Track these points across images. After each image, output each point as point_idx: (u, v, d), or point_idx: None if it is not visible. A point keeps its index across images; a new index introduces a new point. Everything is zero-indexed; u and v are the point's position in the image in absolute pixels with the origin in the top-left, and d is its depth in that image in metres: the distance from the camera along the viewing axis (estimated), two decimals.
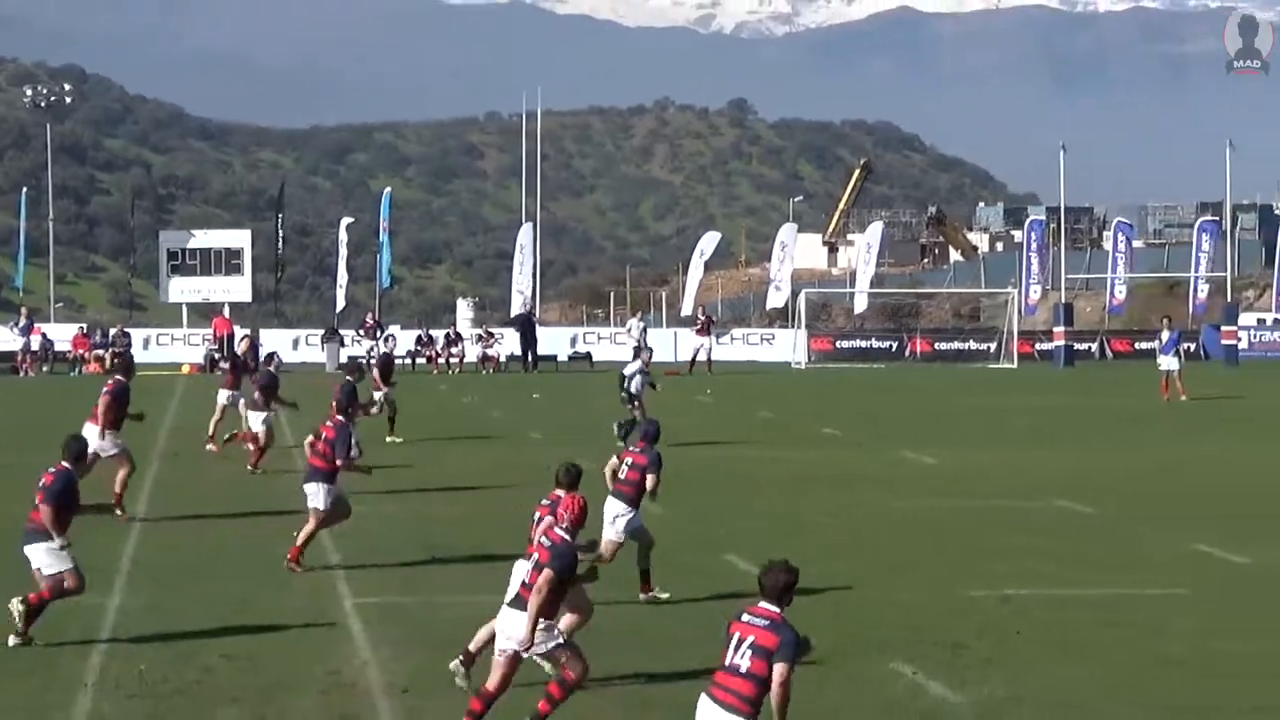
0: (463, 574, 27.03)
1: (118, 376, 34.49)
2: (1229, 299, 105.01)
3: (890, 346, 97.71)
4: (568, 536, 18.00)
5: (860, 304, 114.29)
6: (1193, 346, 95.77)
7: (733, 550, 28.47)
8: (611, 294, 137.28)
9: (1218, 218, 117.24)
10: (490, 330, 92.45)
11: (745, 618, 14.91)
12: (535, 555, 17.93)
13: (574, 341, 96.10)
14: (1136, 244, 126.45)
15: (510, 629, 17.74)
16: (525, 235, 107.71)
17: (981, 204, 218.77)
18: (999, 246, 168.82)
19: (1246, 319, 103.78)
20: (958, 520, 33.43)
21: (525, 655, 17.81)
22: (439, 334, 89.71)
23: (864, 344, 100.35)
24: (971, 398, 64.90)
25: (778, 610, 14.93)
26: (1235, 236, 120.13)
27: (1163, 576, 27.01)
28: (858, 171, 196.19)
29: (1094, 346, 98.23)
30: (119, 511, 31.22)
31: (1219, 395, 66.50)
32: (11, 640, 21.53)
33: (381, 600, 24.97)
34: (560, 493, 20.25)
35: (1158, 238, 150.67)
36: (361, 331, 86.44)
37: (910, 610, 24.52)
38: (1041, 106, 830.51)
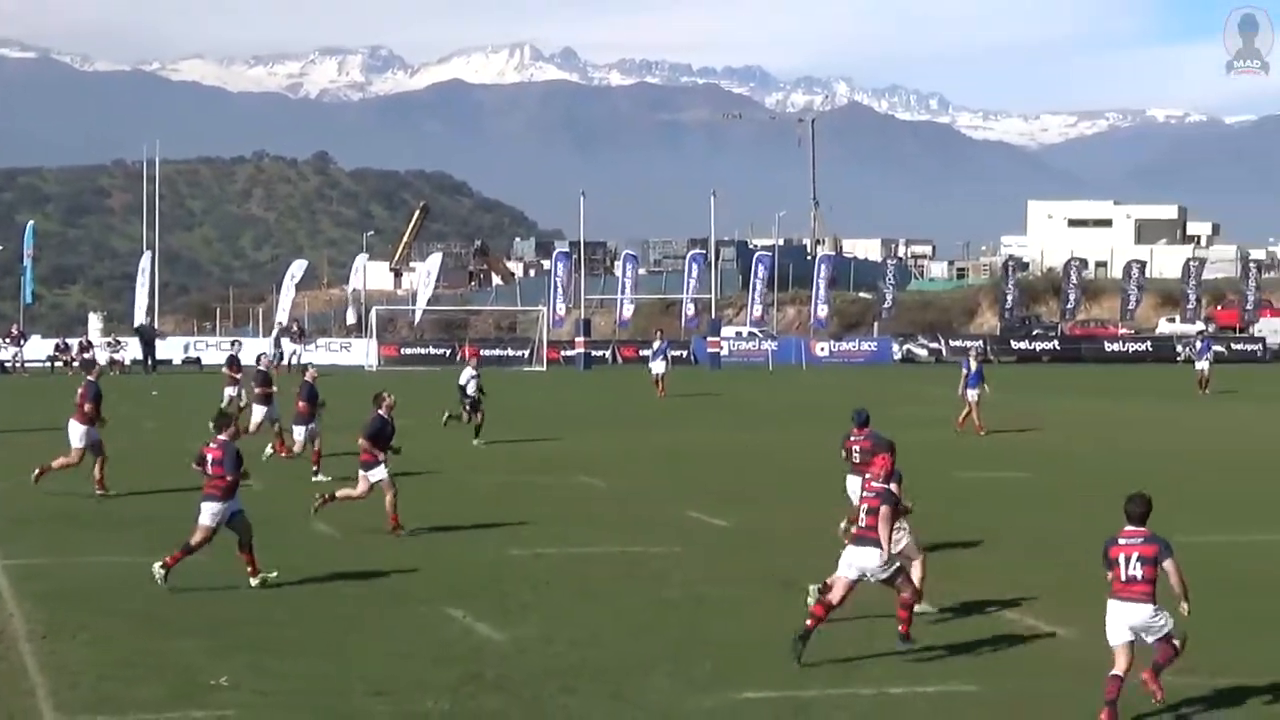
0: (90, 537, 26.53)
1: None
2: (713, 315, 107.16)
3: (445, 353, 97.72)
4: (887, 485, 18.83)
5: (420, 319, 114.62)
6: (685, 353, 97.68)
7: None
8: (218, 309, 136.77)
9: (704, 250, 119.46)
10: (118, 339, 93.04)
11: (1122, 541, 16.31)
12: (866, 505, 18.59)
13: (186, 349, 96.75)
14: (640, 271, 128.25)
15: (856, 559, 18.42)
16: (146, 261, 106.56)
17: (518, 239, 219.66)
18: (532, 273, 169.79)
19: (727, 331, 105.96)
20: (501, 492, 33.51)
21: (869, 579, 18.50)
22: (74, 341, 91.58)
23: (424, 351, 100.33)
24: (510, 394, 65.14)
25: (1144, 528, 16.35)
26: (718, 266, 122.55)
27: (663, 537, 27.31)
28: (418, 212, 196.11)
29: (608, 353, 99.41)
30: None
31: (702, 393, 67.63)
32: None
33: (26, 562, 24.36)
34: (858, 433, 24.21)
35: (657, 266, 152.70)
36: (7, 339, 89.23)
37: (461, 566, 24.55)
38: (566, 159, 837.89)
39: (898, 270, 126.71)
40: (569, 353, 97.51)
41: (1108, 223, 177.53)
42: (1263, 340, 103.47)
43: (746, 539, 27.48)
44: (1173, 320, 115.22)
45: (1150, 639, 16.23)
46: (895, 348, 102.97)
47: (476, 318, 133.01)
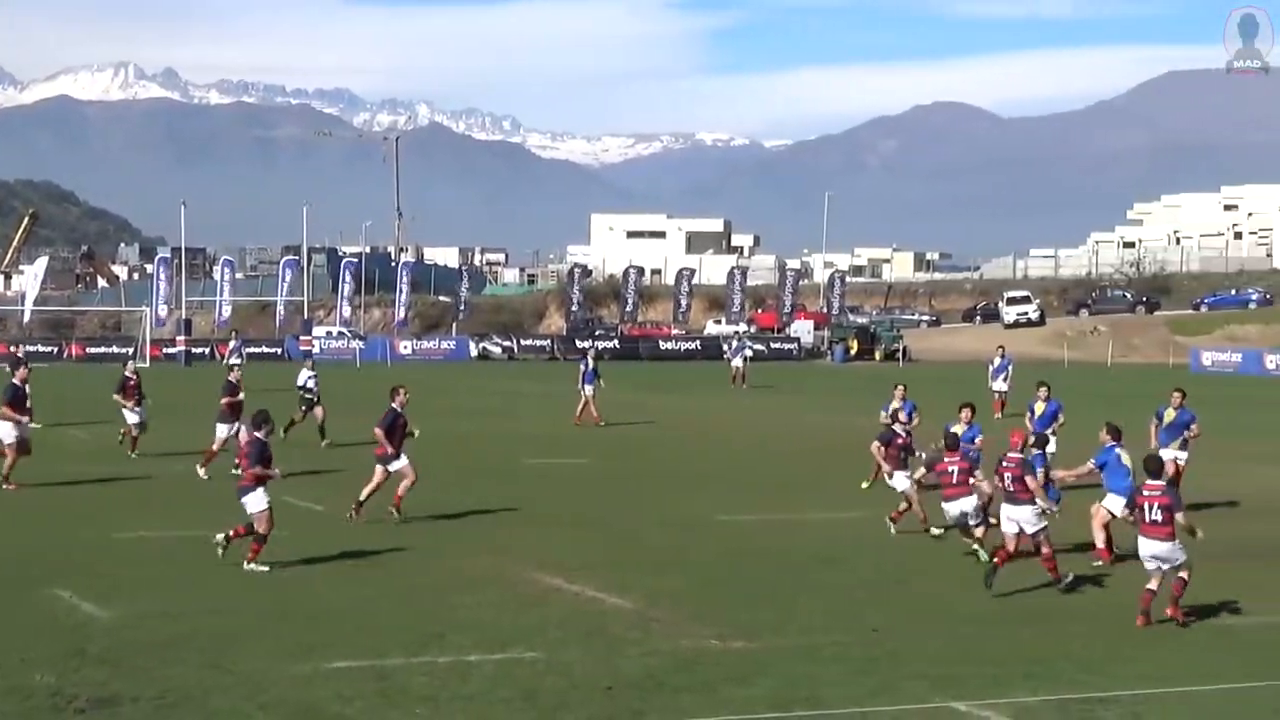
0: None
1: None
2: (305, 316, 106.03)
3: (53, 350, 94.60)
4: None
5: (29, 318, 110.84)
6: (280, 351, 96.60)
7: None
8: None
9: (297, 256, 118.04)
10: None
11: (1145, 493, 19.67)
12: (1008, 474, 21.76)
13: None
14: (238, 275, 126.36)
15: (1016, 515, 21.67)
16: None
17: (123, 244, 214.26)
18: (136, 276, 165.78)
19: (318, 331, 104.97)
20: (109, 478, 32.65)
21: (1029, 531, 21.55)
22: None
23: (33, 348, 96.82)
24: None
25: (1162, 482, 19.74)
26: (309, 271, 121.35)
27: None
28: (26, 219, 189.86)
29: (207, 350, 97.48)
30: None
31: (289, 388, 66.64)
32: None
33: None
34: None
35: (254, 271, 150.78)
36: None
37: (68, 548, 23.97)
38: (169, 171, 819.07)
39: (473, 276, 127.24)
40: (171, 350, 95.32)
41: (662, 234, 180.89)
42: (798, 340, 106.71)
43: (334, 520, 27.35)
44: (719, 322, 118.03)
45: (1167, 568, 19.49)
46: (472, 346, 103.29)
47: (83, 318, 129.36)
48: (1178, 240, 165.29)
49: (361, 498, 27.19)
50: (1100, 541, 23.96)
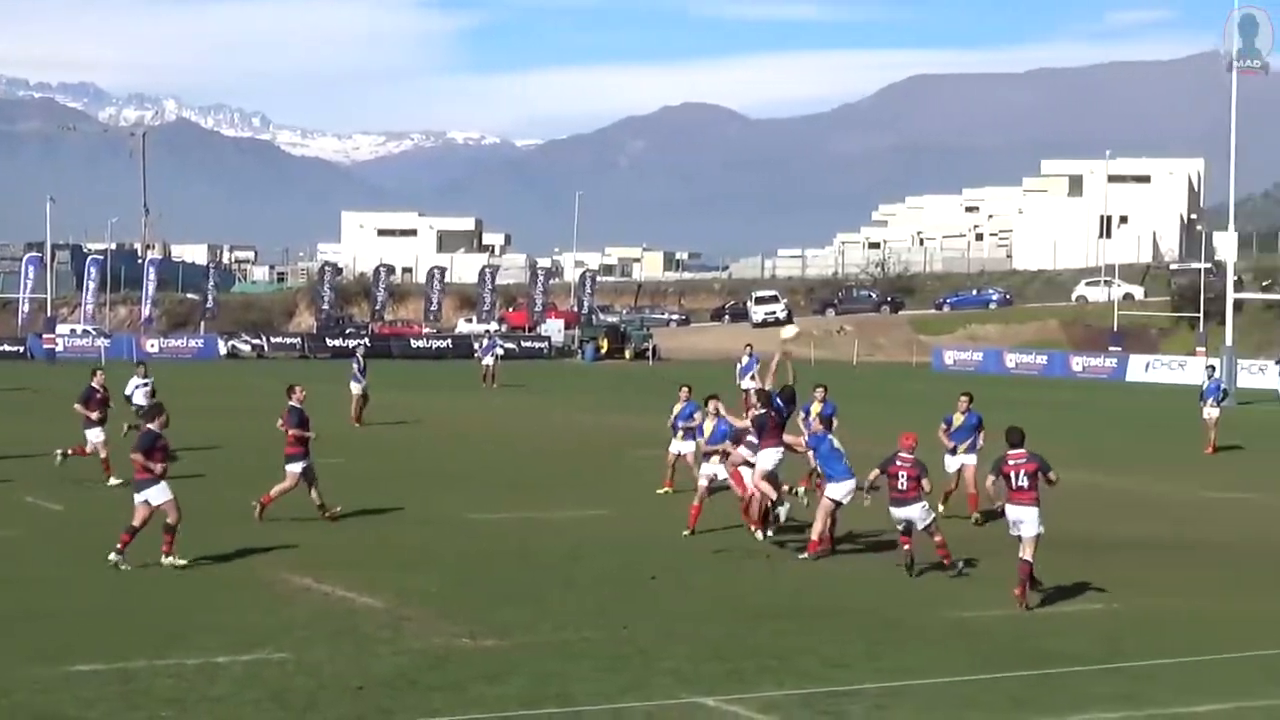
0: None
1: None
2: (48, 314, 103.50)
3: None
4: None
5: None
6: (22, 349, 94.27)
7: None
8: None
9: (40, 253, 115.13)
10: None
11: (1011, 461, 20.81)
12: (903, 474, 22.66)
13: None
14: None
15: (906, 514, 22.80)
16: None
17: None
18: None
19: (62, 329, 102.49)
20: None
21: (920, 526, 22.83)
22: None
23: None
24: None
25: (1024, 450, 20.88)
26: (53, 268, 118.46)
27: (3, 521, 26.45)
28: None
29: None
30: None
31: (25, 386, 65.14)
32: None
33: None
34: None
35: None
36: None
37: None
38: None
39: (222, 273, 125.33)
40: None
41: (413, 232, 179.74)
42: (548, 339, 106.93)
43: (78, 522, 26.79)
44: (470, 320, 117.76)
45: (1027, 534, 20.64)
46: (221, 344, 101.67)
47: None
48: (921, 241, 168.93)
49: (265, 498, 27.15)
50: (815, 534, 24.36)
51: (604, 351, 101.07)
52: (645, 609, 20.34)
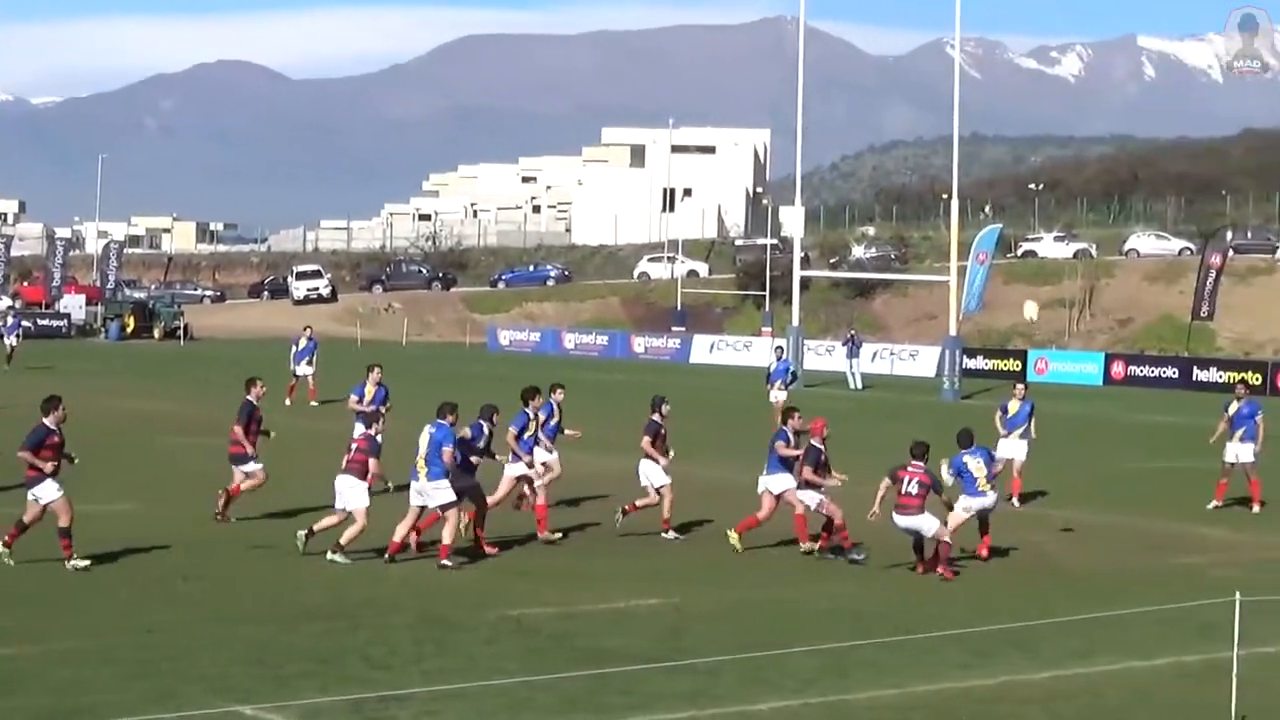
0: None
1: None
2: None
3: None
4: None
5: None
6: None
7: None
8: None
9: None
10: None
11: (909, 468, 23.52)
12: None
13: None
14: None
15: (809, 498, 25.33)
16: None
17: None
18: None
19: None
20: None
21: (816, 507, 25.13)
22: None
23: None
24: None
25: (923, 463, 23.58)
26: None
27: None
28: None
29: None
30: None
31: None
32: None
33: None
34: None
35: None
36: None
37: None
38: None
39: None
40: None
41: None
42: (68, 316, 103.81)
43: None
44: None
45: (929, 534, 23.56)
46: None
47: None
48: (475, 213, 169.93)
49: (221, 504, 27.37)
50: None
51: (130, 330, 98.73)
52: (175, 611, 19.96)
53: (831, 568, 24.80)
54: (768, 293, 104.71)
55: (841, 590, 23.06)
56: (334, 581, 22.39)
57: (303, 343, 52.87)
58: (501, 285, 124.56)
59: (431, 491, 23.58)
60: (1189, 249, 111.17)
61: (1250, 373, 65.46)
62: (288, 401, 49.91)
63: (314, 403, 50.57)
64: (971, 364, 74.89)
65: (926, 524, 23.69)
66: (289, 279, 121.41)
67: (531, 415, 27.28)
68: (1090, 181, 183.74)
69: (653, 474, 26.78)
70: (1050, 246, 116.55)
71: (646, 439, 26.78)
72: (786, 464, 25.28)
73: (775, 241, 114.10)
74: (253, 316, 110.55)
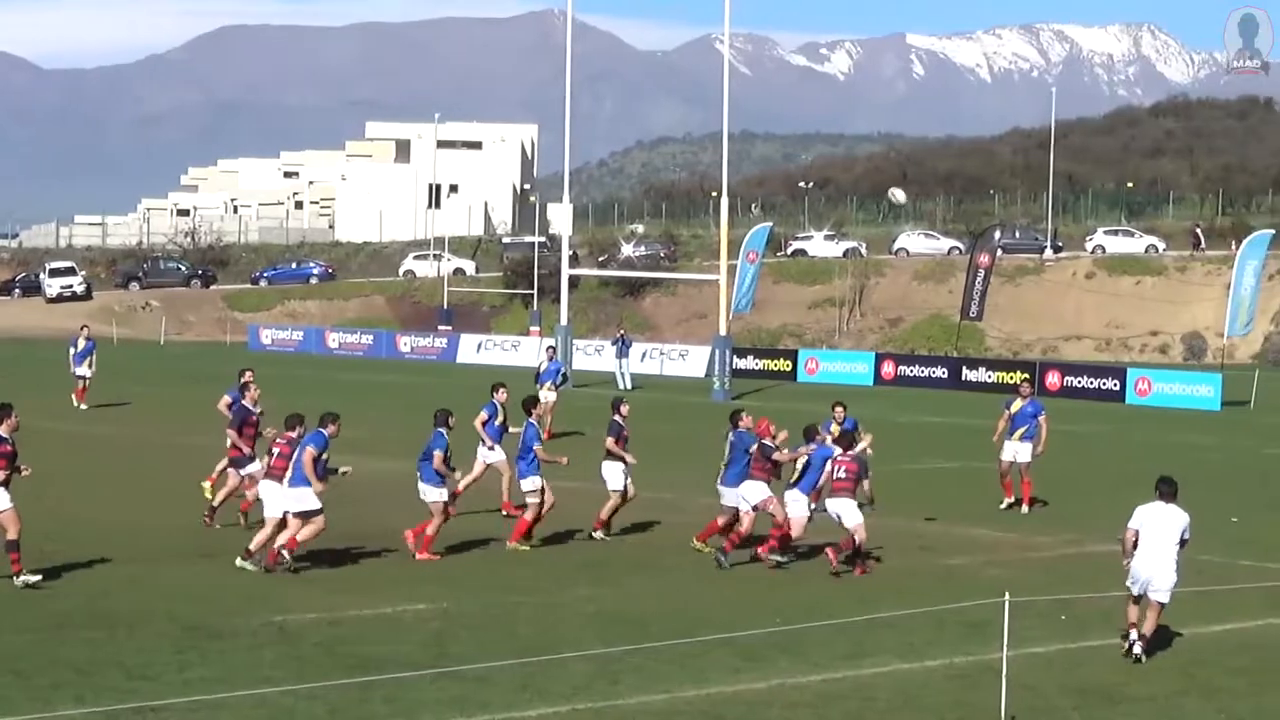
0: None
1: None
2: None
3: None
4: None
5: None
6: None
7: None
8: None
9: None
10: None
11: (839, 457, 24.96)
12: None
13: None
14: None
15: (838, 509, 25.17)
16: None
17: None
18: None
19: None
20: None
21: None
22: None
23: None
24: None
25: (853, 453, 25.15)
26: None
27: None
28: None
29: None
30: None
31: None
32: None
33: None
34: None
35: None
36: None
37: None
38: None
39: None
40: None
41: None
42: None
43: None
44: None
45: (849, 523, 24.63)
46: None
47: None
48: (235, 209, 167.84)
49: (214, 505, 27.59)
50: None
51: None
52: None
53: (597, 571, 24.93)
54: (536, 291, 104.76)
55: (609, 594, 23.22)
56: (94, 589, 22.05)
57: (81, 343, 51.87)
58: (263, 283, 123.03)
59: (294, 498, 23.48)
60: (958, 248, 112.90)
61: (1019, 373, 66.76)
62: (82, 406, 49.63)
63: (82, 406, 49.97)
64: (742, 364, 75.44)
65: (849, 511, 24.82)
66: (42, 276, 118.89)
67: (499, 406, 29.05)
68: (860, 180, 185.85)
69: (612, 475, 27.45)
70: (820, 245, 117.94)
71: (610, 439, 27.43)
72: (764, 472, 25.60)
73: (543, 239, 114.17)
74: (4, 315, 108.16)
